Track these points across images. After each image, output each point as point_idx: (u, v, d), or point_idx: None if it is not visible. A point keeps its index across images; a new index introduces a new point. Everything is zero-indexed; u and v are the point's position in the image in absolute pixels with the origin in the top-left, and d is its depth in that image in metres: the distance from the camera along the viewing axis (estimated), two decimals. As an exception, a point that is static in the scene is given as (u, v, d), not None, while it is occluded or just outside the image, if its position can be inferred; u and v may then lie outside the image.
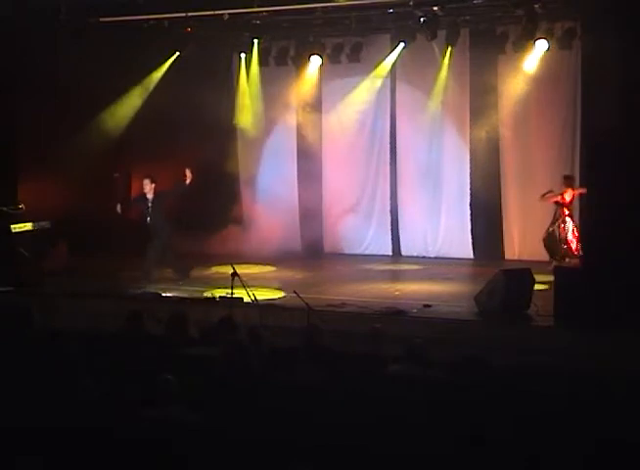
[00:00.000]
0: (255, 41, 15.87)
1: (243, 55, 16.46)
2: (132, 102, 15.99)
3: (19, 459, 5.49)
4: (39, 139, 14.52)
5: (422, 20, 13.84)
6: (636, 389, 6.57)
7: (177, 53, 15.85)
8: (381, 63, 15.86)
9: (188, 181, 13.46)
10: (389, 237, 16.52)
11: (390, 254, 16.46)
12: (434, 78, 15.62)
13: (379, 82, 16.13)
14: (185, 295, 12.36)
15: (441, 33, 14.41)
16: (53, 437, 5.59)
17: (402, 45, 15.11)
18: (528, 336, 10.27)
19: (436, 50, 15.35)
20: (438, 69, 15.52)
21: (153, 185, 13.55)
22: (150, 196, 13.58)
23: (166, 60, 16.02)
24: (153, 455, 5.41)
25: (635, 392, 6.48)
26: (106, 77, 14.84)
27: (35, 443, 5.57)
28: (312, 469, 5.12)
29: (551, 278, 11.48)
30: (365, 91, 16.24)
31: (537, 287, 11.40)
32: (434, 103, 15.81)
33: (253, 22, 14.77)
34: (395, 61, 15.72)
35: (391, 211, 16.49)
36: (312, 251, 16.61)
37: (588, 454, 5.28)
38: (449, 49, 15.10)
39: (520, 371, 7.32)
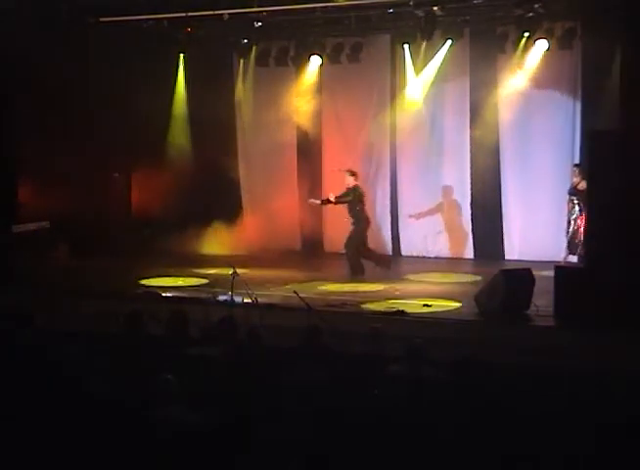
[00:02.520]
0: (254, 46, 15.90)
1: (242, 58, 16.48)
2: (149, 105, 15.99)
3: (18, 458, 5.50)
4: (39, 139, 14.51)
5: (420, 19, 13.90)
6: (636, 389, 6.57)
7: (182, 54, 15.89)
8: (384, 63, 15.91)
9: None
10: (390, 237, 16.51)
11: (390, 254, 16.45)
12: (434, 77, 15.62)
13: (378, 82, 16.14)
14: (185, 295, 12.35)
15: (441, 33, 14.38)
16: (52, 437, 5.59)
17: (407, 46, 15.28)
18: (528, 336, 10.26)
19: (436, 48, 15.34)
20: (438, 67, 15.52)
21: (352, 177, 14.11)
22: (350, 188, 14.12)
23: (176, 63, 16.04)
24: (153, 455, 5.42)
25: (635, 392, 6.48)
26: (106, 77, 14.84)
27: (35, 442, 5.57)
28: (311, 469, 5.13)
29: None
30: (365, 91, 16.26)
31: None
32: (434, 101, 15.85)
33: (254, 22, 14.77)
34: (396, 60, 15.78)
35: (391, 212, 16.47)
36: (312, 250, 16.61)
37: (588, 454, 5.28)
38: (448, 48, 15.09)
39: (520, 371, 7.32)
